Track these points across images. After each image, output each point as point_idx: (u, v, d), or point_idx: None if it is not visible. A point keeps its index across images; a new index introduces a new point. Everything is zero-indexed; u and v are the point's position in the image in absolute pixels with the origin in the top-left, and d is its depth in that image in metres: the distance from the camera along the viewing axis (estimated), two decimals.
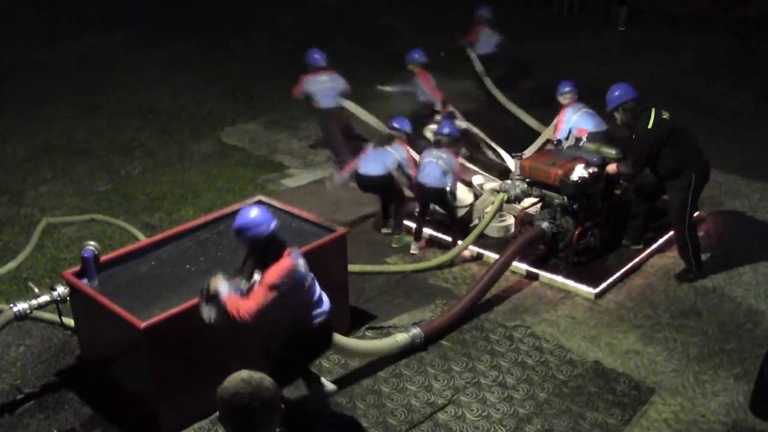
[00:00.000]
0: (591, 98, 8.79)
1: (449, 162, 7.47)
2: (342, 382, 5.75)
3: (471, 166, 8.96)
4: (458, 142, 7.93)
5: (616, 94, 6.99)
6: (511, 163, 9.12)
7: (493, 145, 9.64)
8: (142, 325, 4.88)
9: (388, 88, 10.22)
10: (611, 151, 7.34)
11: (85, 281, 5.46)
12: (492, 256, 7.41)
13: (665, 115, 6.84)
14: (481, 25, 12.07)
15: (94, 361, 5.75)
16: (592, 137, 8.28)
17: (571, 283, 7.01)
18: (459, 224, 7.85)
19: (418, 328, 6.09)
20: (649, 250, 7.53)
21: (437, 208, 7.91)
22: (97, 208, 8.72)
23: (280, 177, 9.64)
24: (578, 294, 6.93)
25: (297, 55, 9.91)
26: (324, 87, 9.72)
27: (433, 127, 9.46)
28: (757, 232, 8.08)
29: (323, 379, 5.56)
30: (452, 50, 12.24)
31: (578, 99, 8.83)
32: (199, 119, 11.79)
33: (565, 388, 5.70)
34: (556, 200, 7.25)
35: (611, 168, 7.26)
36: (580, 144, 7.97)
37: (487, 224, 7.49)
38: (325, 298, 5.01)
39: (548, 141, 9.11)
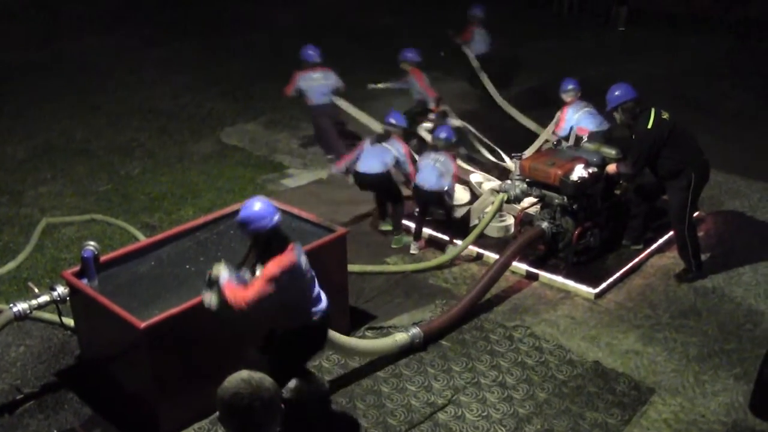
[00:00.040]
0: (591, 98, 8.80)
1: (447, 165, 7.49)
2: (342, 382, 5.75)
3: (467, 166, 8.95)
4: (455, 146, 7.92)
5: (616, 94, 6.99)
6: (507, 161, 9.14)
7: (489, 143, 9.63)
8: (142, 325, 4.88)
9: (380, 85, 10.25)
10: (611, 152, 7.34)
11: (84, 281, 5.46)
12: (492, 256, 7.41)
13: (665, 116, 6.85)
14: (474, 24, 12.11)
15: (93, 362, 5.75)
16: (593, 137, 8.29)
17: (570, 283, 7.01)
18: (456, 224, 7.86)
19: (418, 328, 6.09)
20: (648, 251, 7.53)
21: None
22: (97, 209, 8.72)
23: (279, 177, 9.64)
24: (578, 294, 6.93)
25: (297, 55, 9.92)
26: (317, 84, 9.76)
27: (427, 125, 9.50)
28: (757, 232, 8.08)
29: (316, 375, 5.59)
30: (452, 50, 12.23)
31: (580, 97, 8.83)
32: (198, 119, 11.79)
33: (564, 388, 5.70)
34: (556, 200, 7.25)
35: (611, 168, 7.26)
36: (581, 144, 7.98)
37: (487, 224, 7.49)
38: (324, 297, 5.03)
39: (548, 140, 9.12)
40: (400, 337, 5.97)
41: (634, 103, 6.94)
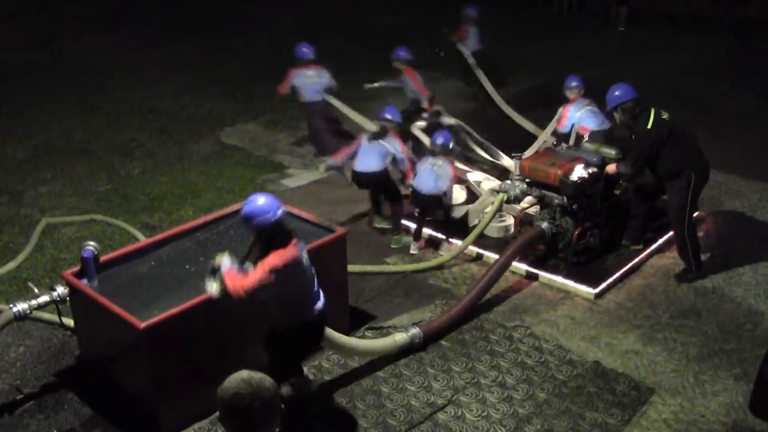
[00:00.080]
0: (591, 98, 8.79)
1: (444, 168, 7.50)
2: (342, 382, 5.75)
3: (462, 166, 8.94)
4: (452, 151, 7.89)
5: (616, 94, 7.00)
6: (503, 159, 9.15)
7: (484, 141, 9.63)
8: (142, 325, 4.88)
9: (375, 84, 10.27)
10: (611, 152, 7.34)
11: (84, 281, 5.46)
12: (492, 256, 7.41)
13: (665, 116, 6.85)
14: (468, 23, 12.15)
15: (93, 362, 5.75)
16: (594, 136, 8.30)
17: (570, 284, 7.01)
18: (455, 224, 7.86)
19: (418, 329, 6.09)
20: (648, 251, 7.53)
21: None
22: (97, 209, 8.72)
23: (279, 177, 9.64)
24: (578, 294, 6.93)
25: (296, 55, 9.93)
26: (310, 81, 9.79)
27: (421, 124, 9.51)
28: (757, 232, 8.08)
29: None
30: (450, 50, 12.24)
31: (584, 95, 8.83)
32: (198, 119, 11.79)
33: (564, 388, 5.70)
34: (556, 200, 7.25)
35: (611, 168, 7.26)
36: (582, 142, 7.98)
37: (487, 224, 7.49)
38: (322, 296, 5.07)
39: (545, 141, 9.13)
40: (400, 338, 5.97)
41: (633, 103, 6.94)
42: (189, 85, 13.29)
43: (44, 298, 5.53)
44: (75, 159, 10.24)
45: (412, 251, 7.73)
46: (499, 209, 7.58)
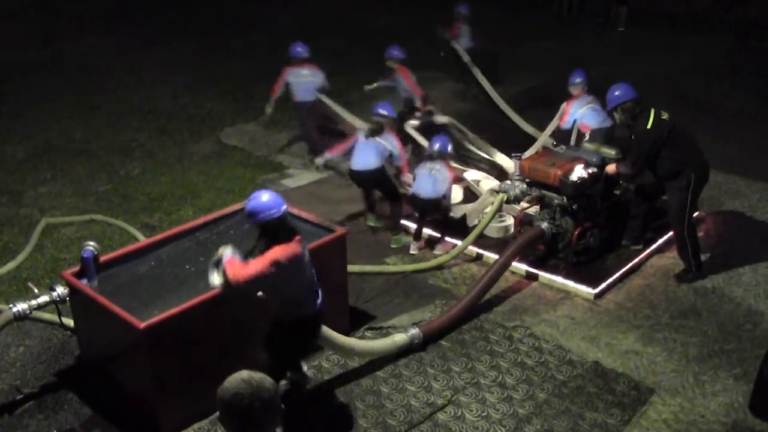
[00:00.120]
0: (594, 96, 8.79)
1: (442, 173, 7.51)
2: (342, 382, 5.75)
3: (457, 165, 8.95)
4: (450, 155, 7.88)
5: (616, 94, 7.00)
6: (497, 155, 9.15)
7: (478, 139, 9.62)
8: (142, 325, 4.88)
9: (375, 85, 10.28)
10: (611, 152, 7.34)
11: (84, 281, 5.46)
12: (492, 256, 7.41)
13: (664, 116, 6.85)
14: (460, 20, 12.17)
15: (93, 362, 5.75)
16: (595, 135, 8.30)
17: (570, 284, 7.01)
18: (454, 224, 7.86)
19: (417, 329, 6.09)
20: (648, 251, 7.53)
21: None
22: (97, 209, 8.72)
23: (279, 177, 9.64)
24: (578, 294, 6.93)
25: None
26: (304, 80, 9.79)
27: (413, 122, 9.51)
28: (756, 232, 8.08)
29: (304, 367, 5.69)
30: (449, 50, 12.24)
31: (588, 92, 8.84)
32: (198, 119, 11.79)
33: (564, 388, 5.70)
34: (556, 201, 7.25)
35: (611, 168, 7.26)
36: (583, 142, 7.99)
37: (487, 225, 7.49)
38: (321, 294, 5.11)
39: (553, 133, 9.15)
40: (399, 338, 5.97)
41: (633, 103, 6.94)
42: (189, 85, 13.29)
43: (44, 298, 5.53)
44: (75, 159, 10.24)
45: (412, 251, 7.73)
46: (499, 209, 7.58)
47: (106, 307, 5.12)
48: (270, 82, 9.87)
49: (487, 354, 6.09)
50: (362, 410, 5.46)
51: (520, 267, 7.27)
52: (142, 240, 7.16)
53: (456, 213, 8.07)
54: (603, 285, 6.97)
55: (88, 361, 5.84)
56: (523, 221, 7.67)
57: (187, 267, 6.01)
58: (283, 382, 5.37)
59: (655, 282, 7.14)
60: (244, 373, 2.71)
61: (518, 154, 7.72)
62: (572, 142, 8.69)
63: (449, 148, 7.69)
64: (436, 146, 7.64)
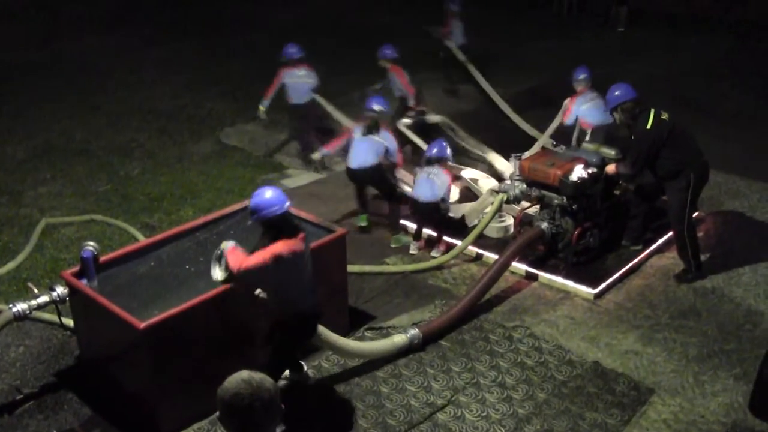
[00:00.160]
0: (598, 92, 8.79)
1: (441, 177, 7.51)
2: (342, 382, 5.75)
3: (455, 164, 8.95)
4: (447, 160, 7.89)
5: (616, 94, 7.00)
6: (489, 153, 9.16)
7: (469, 137, 9.61)
8: (142, 325, 4.88)
9: (377, 86, 10.28)
10: (610, 152, 7.34)
11: (84, 282, 5.46)
12: (491, 256, 7.41)
13: (664, 116, 6.85)
14: (452, 17, 12.17)
15: (93, 362, 5.75)
16: (596, 133, 8.31)
17: (570, 284, 7.02)
18: (453, 224, 7.86)
19: (417, 329, 6.09)
20: (648, 251, 7.53)
21: None
22: (97, 209, 8.72)
23: (279, 177, 9.64)
24: (577, 294, 6.93)
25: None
26: (300, 81, 9.76)
27: (407, 121, 9.51)
28: (756, 232, 8.08)
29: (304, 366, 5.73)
30: (443, 48, 12.26)
31: (591, 88, 8.84)
32: (198, 119, 11.79)
33: (564, 388, 5.70)
34: (556, 201, 7.25)
35: (610, 168, 7.26)
36: (583, 142, 7.99)
37: (487, 225, 7.49)
38: (317, 294, 5.16)
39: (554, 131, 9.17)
40: (399, 339, 5.97)
41: (633, 104, 6.94)
42: (189, 85, 13.29)
43: (44, 299, 5.53)
44: (75, 159, 10.23)
45: (411, 251, 7.73)
46: (499, 209, 7.58)
47: (105, 307, 5.12)
48: (269, 82, 9.86)
49: (486, 354, 6.09)
50: (362, 410, 5.46)
51: (520, 267, 7.27)
52: (142, 240, 7.16)
53: (455, 212, 8.07)
54: (603, 285, 6.97)
55: (88, 361, 5.84)
56: (523, 221, 7.68)
57: (187, 267, 6.01)
58: (282, 381, 5.39)
59: (655, 282, 7.14)
60: (244, 373, 2.71)
61: (518, 155, 7.72)
62: (574, 139, 8.70)
63: (448, 152, 7.68)
64: (434, 151, 7.64)
